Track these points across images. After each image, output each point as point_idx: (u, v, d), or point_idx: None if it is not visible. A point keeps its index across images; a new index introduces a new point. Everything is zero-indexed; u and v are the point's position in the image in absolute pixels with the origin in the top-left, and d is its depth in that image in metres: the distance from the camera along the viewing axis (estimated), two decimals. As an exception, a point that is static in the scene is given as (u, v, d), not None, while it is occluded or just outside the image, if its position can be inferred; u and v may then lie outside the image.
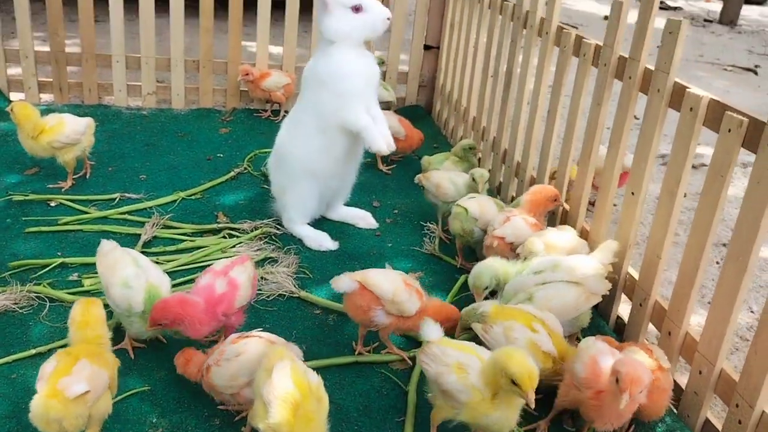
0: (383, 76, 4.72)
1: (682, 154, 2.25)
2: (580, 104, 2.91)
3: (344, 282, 2.29)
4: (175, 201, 3.33)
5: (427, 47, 4.89)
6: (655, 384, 2.00)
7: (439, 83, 4.84)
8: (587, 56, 2.83)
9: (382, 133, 2.94)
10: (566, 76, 3.07)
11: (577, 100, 2.92)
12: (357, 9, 2.84)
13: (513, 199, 3.52)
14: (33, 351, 2.23)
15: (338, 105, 2.89)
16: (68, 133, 3.28)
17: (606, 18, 10.72)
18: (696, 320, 2.92)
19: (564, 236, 2.70)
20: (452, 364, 1.89)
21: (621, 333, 2.61)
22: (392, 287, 2.25)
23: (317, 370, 2.24)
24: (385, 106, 4.57)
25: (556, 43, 3.12)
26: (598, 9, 11.23)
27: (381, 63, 4.60)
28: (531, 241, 2.61)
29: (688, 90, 2.24)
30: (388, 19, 2.92)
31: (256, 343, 1.95)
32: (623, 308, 2.67)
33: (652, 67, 2.42)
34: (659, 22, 2.34)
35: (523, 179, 3.40)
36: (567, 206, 3.02)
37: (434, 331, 2.07)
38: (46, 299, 2.49)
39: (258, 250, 2.97)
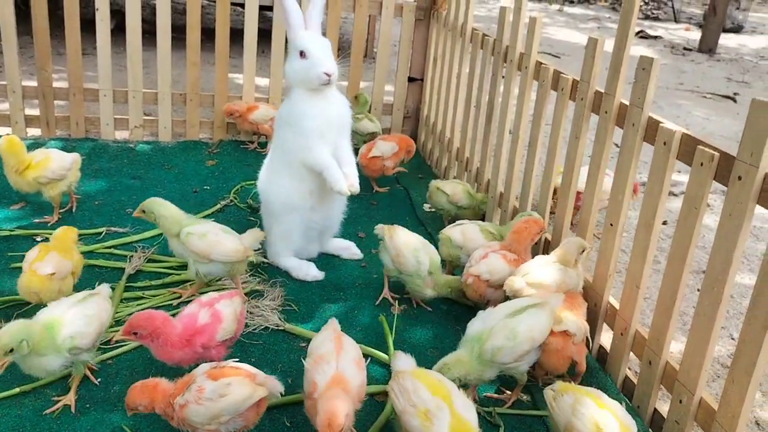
0: (369, 108, 4.80)
1: (658, 187, 2.31)
2: (559, 136, 2.98)
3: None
4: (160, 234, 3.34)
5: (411, 79, 4.97)
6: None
7: (423, 114, 4.92)
8: (565, 90, 2.90)
9: (348, 174, 2.95)
10: (546, 109, 3.14)
11: (556, 133, 2.98)
12: (302, 54, 2.90)
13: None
14: (17, 390, 2.23)
15: (300, 144, 2.96)
16: (54, 169, 3.30)
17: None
18: (677, 347, 2.96)
19: (548, 270, 2.65)
20: (420, 408, 1.86)
21: (604, 362, 2.64)
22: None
23: (302, 403, 2.28)
24: (371, 137, 4.64)
25: (535, 77, 3.20)
26: (580, 39, 11.44)
27: (358, 97, 4.69)
28: (511, 280, 2.60)
29: (661, 125, 2.30)
30: (327, 74, 2.88)
31: (240, 383, 1.94)
32: (605, 337, 2.71)
33: (627, 102, 2.49)
34: (640, 50, 2.41)
35: (506, 209, 3.46)
36: (548, 236, 3.07)
37: (406, 361, 2.07)
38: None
39: (244, 282, 2.98)
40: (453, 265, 3.13)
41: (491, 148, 3.68)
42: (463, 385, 2.22)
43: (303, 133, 2.95)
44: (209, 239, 2.70)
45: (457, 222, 3.18)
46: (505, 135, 3.54)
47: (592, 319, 2.70)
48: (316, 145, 2.95)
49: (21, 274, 2.51)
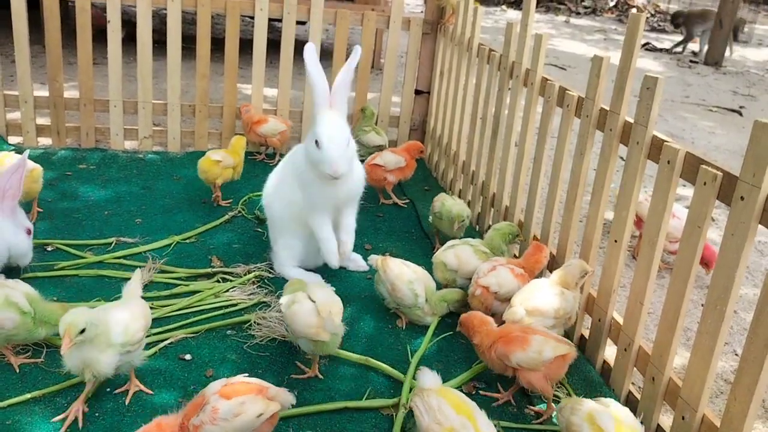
0: (375, 120, 4.85)
1: (661, 205, 2.34)
2: (564, 152, 3.01)
3: None
4: (170, 245, 3.39)
5: (418, 92, 5.02)
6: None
7: (429, 127, 4.96)
8: (570, 107, 2.94)
9: (343, 242, 3.06)
10: (551, 125, 3.17)
11: (561, 149, 3.02)
12: (317, 143, 2.84)
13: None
14: (28, 396, 2.26)
15: (308, 203, 3.04)
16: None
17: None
18: (681, 362, 2.98)
19: (548, 296, 2.66)
20: (445, 425, 1.90)
21: (607, 378, 2.66)
22: None
23: (308, 416, 2.31)
24: (378, 149, 4.68)
25: (541, 93, 3.23)
26: (586, 50, 11.49)
27: (364, 109, 4.74)
28: (512, 312, 2.62)
29: (665, 143, 2.33)
30: (333, 177, 2.82)
31: (253, 401, 1.97)
32: (609, 352, 2.73)
33: (632, 120, 2.52)
34: (646, 62, 2.44)
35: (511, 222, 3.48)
36: (554, 251, 3.10)
37: (432, 379, 2.08)
38: (43, 345, 2.53)
39: (251, 294, 3.02)
40: (449, 287, 3.10)
41: (497, 161, 3.72)
42: None
43: (310, 198, 3.02)
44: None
45: (449, 244, 3.15)
46: (511, 149, 3.57)
47: (596, 335, 2.73)
48: (320, 215, 3.03)
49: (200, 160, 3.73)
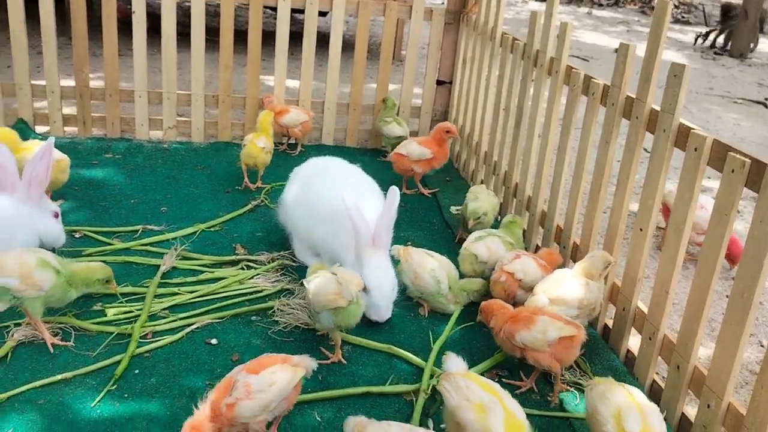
0: (397, 111, 4.86)
1: (688, 193, 2.32)
2: (589, 141, 3.00)
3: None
4: (194, 233, 3.43)
5: (439, 82, 5.01)
6: None
7: (451, 118, 4.95)
8: (596, 95, 2.92)
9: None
10: (576, 114, 3.16)
11: (586, 138, 3.00)
12: (364, 289, 2.66)
13: (524, 233, 3.58)
14: (59, 377, 2.31)
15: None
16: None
17: (616, 51, 10.88)
18: (705, 353, 2.96)
19: (573, 286, 2.66)
20: (475, 402, 1.92)
21: (631, 366, 2.65)
22: None
23: (332, 400, 2.34)
24: (398, 140, 4.69)
25: (566, 82, 3.22)
26: (608, 42, 11.38)
27: (386, 100, 4.75)
28: (535, 300, 2.63)
29: (692, 131, 2.32)
30: (378, 321, 2.77)
31: (282, 369, 2.03)
32: (633, 341, 2.72)
33: (658, 108, 2.50)
34: (670, 54, 2.43)
35: (534, 213, 3.48)
36: (577, 241, 3.09)
37: (458, 363, 2.10)
38: (71, 329, 2.58)
39: (275, 281, 3.05)
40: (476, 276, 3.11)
41: (520, 151, 3.71)
42: None
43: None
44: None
45: (476, 235, 3.14)
46: (535, 138, 3.56)
47: (620, 324, 2.72)
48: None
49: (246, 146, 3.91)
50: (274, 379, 1.99)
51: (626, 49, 2.72)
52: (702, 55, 11.12)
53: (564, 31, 3.19)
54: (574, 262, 2.99)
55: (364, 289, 2.66)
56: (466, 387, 1.96)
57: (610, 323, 2.83)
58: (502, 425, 1.86)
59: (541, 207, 3.45)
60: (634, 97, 2.66)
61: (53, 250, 3.00)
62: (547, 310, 2.50)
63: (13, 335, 2.48)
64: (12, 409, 2.16)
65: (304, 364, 2.10)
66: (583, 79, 3.05)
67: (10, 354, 2.41)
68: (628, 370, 2.63)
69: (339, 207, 2.81)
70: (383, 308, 2.74)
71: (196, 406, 1.97)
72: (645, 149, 4.04)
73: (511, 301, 2.82)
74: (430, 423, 2.31)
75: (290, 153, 4.74)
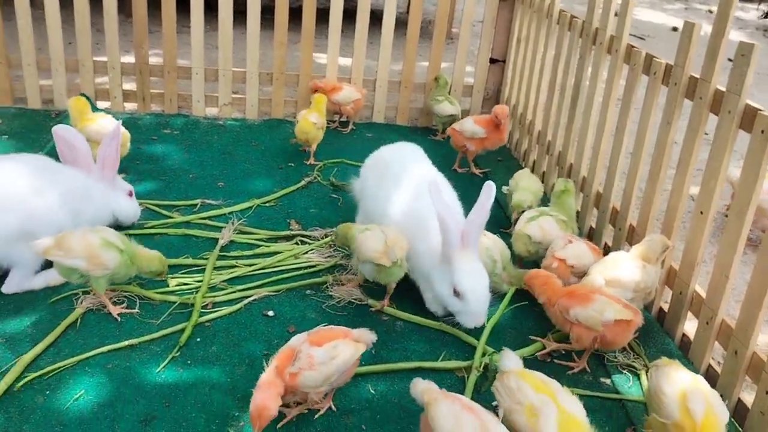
0: (449, 90, 4.83)
1: (753, 176, 2.26)
2: (649, 122, 2.94)
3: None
4: (250, 207, 3.51)
5: (492, 60, 4.96)
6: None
7: (504, 96, 4.91)
8: (657, 75, 2.86)
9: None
10: (635, 94, 3.10)
11: (646, 118, 2.94)
12: (456, 293, 2.54)
13: (578, 214, 3.55)
14: (126, 343, 2.42)
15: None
16: (93, 130, 3.59)
17: (675, 29, 10.51)
18: (764, 340, 2.90)
19: (629, 268, 2.63)
20: (525, 405, 1.87)
21: (686, 351, 2.62)
22: None
23: (383, 373, 2.38)
24: (450, 119, 4.68)
25: (626, 61, 3.15)
26: (665, 20, 11.03)
27: (438, 78, 4.72)
28: (591, 280, 2.61)
29: (760, 112, 2.25)
30: (476, 327, 2.60)
31: (345, 343, 2.08)
32: (689, 326, 2.69)
33: (724, 88, 2.44)
34: (731, 35, 2.36)
35: (589, 194, 3.44)
36: (634, 223, 3.05)
37: (513, 360, 2.06)
38: (136, 298, 2.69)
39: (328, 256, 3.10)
40: (528, 259, 3.10)
41: (575, 131, 3.66)
42: None
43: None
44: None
45: (529, 215, 3.11)
46: (591, 118, 3.51)
47: (677, 307, 2.68)
48: None
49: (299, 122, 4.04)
50: (336, 352, 2.04)
51: (691, 28, 2.65)
52: (765, 34, 10.67)
53: (625, 8, 3.12)
54: (630, 245, 2.95)
55: (458, 295, 2.52)
56: (518, 389, 1.92)
57: (665, 307, 2.79)
58: (554, 426, 1.81)
59: (596, 188, 3.41)
60: (698, 77, 2.59)
61: (131, 226, 3.14)
62: (605, 291, 2.48)
63: (81, 302, 2.60)
64: (83, 372, 2.27)
65: (365, 338, 2.14)
66: (644, 58, 2.99)
67: (79, 320, 2.53)
68: (683, 354, 2.60)
69: (423, 209, 2.70)
70: (480, 315, 2.55)
71: (259, 373, 2.04)
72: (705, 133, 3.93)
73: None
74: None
75: (342, 131, 4.77)
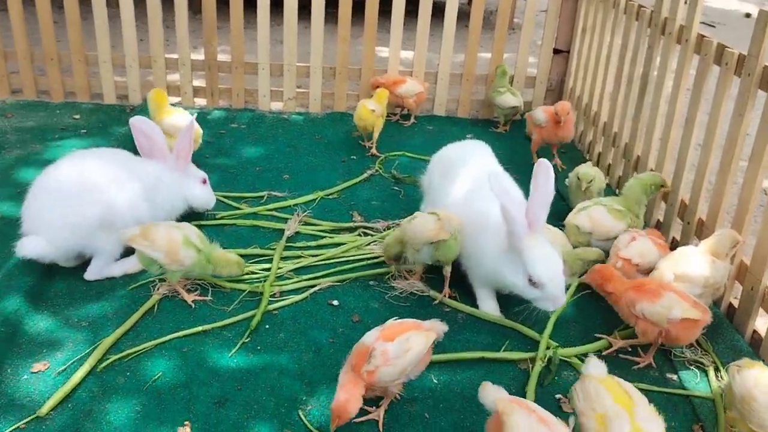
0: (510, 80, 4.80)
1: (833, 169, 2.19)
2: (720, 114, 2.86)
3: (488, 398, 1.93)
4: (314, 200, 3.59)
5: (556, 51, 4.90)
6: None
7: (567, 87, 4.84)
8: (730, 65, 2.78)
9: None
10: (706, 85, 3.02)
11: (717, 110, 2.87)
12: (533, 283, 2.49)
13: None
14: (200, 328, 2.53)
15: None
16: (173, 122, 3.73)
17: (748, 15, 10.07)
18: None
19: (699, 264, 2.59)
20: (598, 411, 1.82)
21: (757, 348, 2.56)
22: None
23: (446, 363, 2.42)
24: (512, 111, 4.65)
25: (696, 51, 3.08)
26: (737, 6, 10.59)
27: (498, 68, 4.70)
28: (659, 275, 2.57)
29: (841, 102, 2.17)
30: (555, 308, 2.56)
31: (416, 335, 2.10)
32: (760, 322, 2.62)
33: (802, 78, 2.36)
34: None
35: (656, 187, 3.37)
36: (703, 217, 2.98)
37: (597, 367, 1.97)
38: (208, 285, 2.80)
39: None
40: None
41: (643, 123, 3.59)
42: None
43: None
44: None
45: (580, 206, 3.09)
46: (660, 109, 3.43)
47: (747, 303, 2.62)
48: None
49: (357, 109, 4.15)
50: (409, 345, 2.06)
51: (766, 16, 2.56)
52: None
53: (696, -4, 3.04)
54: (699, 239, 2.89)
55: (534, 284, 2.48)
56: (596, 394, 1.85)
57: (735, 303, 2.73)
58: None
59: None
60: (773, 66, 2.51)
61: (205, 214, 3.27)
62: (675, 287, 2.44)
63: (158, 289, 2.74)
64: (160, 355, 2.40)
65: (436, 328, 2.16)
66: (716, 48, 2.91)
67: (156, 306, 2.66)
68: (753, 351, 2.54)
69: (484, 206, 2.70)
70: (560, 297, 2.49)
71: (325, 360, 2.11)
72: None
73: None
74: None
75: (403, 123, 4.81)
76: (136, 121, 3.10)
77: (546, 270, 2.47)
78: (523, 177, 4.00)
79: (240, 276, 2.81)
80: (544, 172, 2.51)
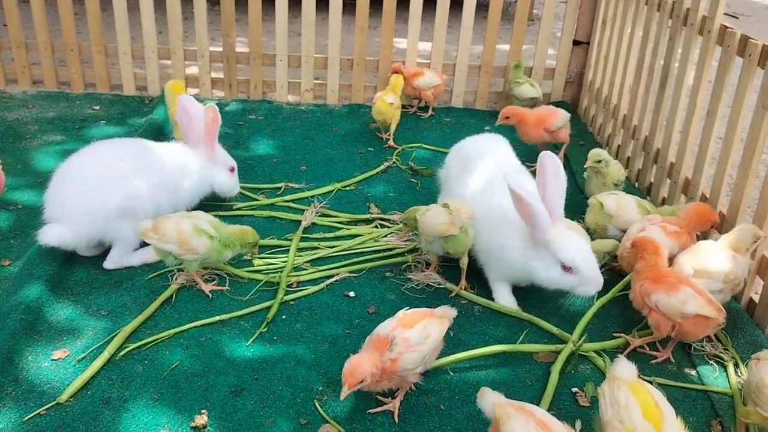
0: (528, 72, 4.77)
1: None
2: (743, 106, 2.82)
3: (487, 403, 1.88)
4: (331, 191, 3.60)
5: (576, 42, 4.85)
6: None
7: (587, 79, 4.79)
8: (753, 57, 2.73)
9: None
10: (728, 77, 2.97)
11: (740, 102, 2.82)
12: (567, 269, 2.48)
13: (664, 200, 3.47)
14: (217, 318, 2.55)
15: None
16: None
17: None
18: None
19: (719, 259, 2.54)
20: (627, 426, 1.73)
21: (778, 344, 2.52)
22: None
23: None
24: (531, 102, 4.62)
25: (719, 43, 3.03)
26: (763, -4, 10.39)
27: (516, 65, 4.66)
28: (680, 266, 2.54)
29: None
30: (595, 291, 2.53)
31: (432, 322, 2.17)
32: (782, 318, 2.58)
33: (828, 70, 2.31)
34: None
35: (677, 181, 3.33)
36: (724, 210, 2.94)
37: (627, 369, 1.89)
38: (225, 276, 2.82)
39: (407, 240, 3.15)
40: (597, 236, 3.04)
41: (663, 115, 3.54)
42: None
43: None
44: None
45: (613, 192, 3.10)
46: (681, 102, 3.38)
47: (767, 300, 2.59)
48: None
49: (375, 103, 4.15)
50: (428, 331, 2.12)
51: (793, 6, 2.51)
52: None
53: (719, -13, 2.99)
54: (720, 233, 2.85)
55: (569, 270, 2.46)
56: (625, 407, 1.76)
57: (756, 298, 2.69)
58: None
59: (685, 174, 3.30)
60: (798, 58, 2.47)
61: (227, 203, 3.31)
62: (694, 283, 2.41)
63: (176, 279, 2.76)
64: (178, 344, 2.42)
65: (447, 314, 2.23)
66: (739, 39, 2.86)
67: (174, 296, 2.68)
68: (775, 348, 2.50)
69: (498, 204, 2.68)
70: (598, 277, 2.48)
71: (341, 351, 2.11)
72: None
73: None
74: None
75: (421, 115, 4.79)
76: (182, 99, 3.15)
77: (578, 252, 2.47)
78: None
79: (256, 242, 2.78)
80: (549, 162, 2.52)
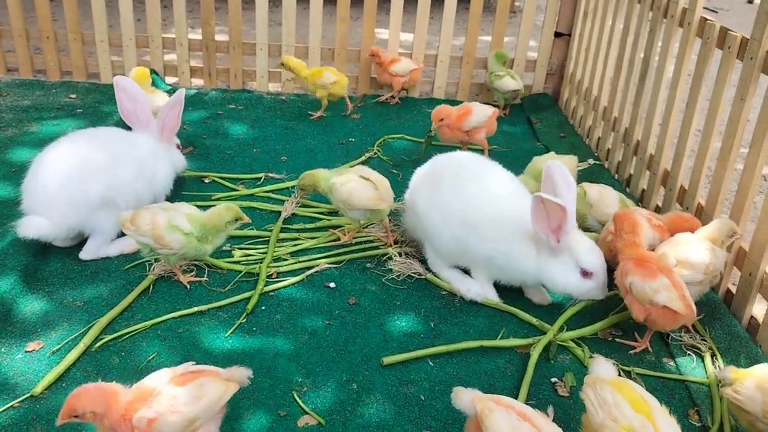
0: (510, 64, 4.76)
1: (834, 154, 2.17)
2: (721, 98, 2.84)
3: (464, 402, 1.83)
4: (312, 182, 3.56)
5: (558, 34, 4.86)
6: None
7: (568, 71, 4.80)
8: (732, 49, 2.75)
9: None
10: (707, 69, 2.99)
11: (718, 94, 2.84)
12: (586, 274, 2.51)
13: (643, 192, 3.48)
14: (195, 309, 2.52)
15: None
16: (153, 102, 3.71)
17: (750, 2, 9.99)
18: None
19: (700, 250, 2.55)
20: (623, 424, 1.72)
21: (754, 334, 2.55)
22: None
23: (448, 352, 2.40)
24: (513, 95, 4.62)
25: (699, 35, 3.04)
26: (742, -9, 10.48)
27: (500, 55, 4.65)
28: (664, 256, 2.53)
29: (844, 87, 2.15)
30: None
31: (213, 382, 1.84)
32: (758, 308, 2.61)
33: (805, 62, 2.33)
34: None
35: (656, 172, 3.35)
36: (702, 201, 2.96)
37: (607, 368, 1.88)
38: (204, 266, 2.79)
39: (386, 233, 3.13)
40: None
41: (643, 107, 3.56)
42: None
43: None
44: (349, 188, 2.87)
45: (603, 185, 3.11)
46: (661, 94, 3.40)
47: (745, 289, 2.61)
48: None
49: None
50: (203, 392, 1.79)
51: (771, -1, 2.53)
52: None
53: (700, -21, 3.00)
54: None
55: (589, 275, 2.49)
56: (615, 405, 1.75)
57: (733, 288, 2.72)
58: None
59: (663, 166, 3.32)
60: (776, 50, 2.48)
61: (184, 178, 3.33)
62: (675, 275, 2.41)
63: (153, 270, 2.72)
64: (156, 336, 2.39)
65: (236, 376, 1.89)
66: (718, 31, 2.88)
67: (151, 287, 2.65)
68: (750, 338, 2.53)
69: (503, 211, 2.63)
70: (605, 282, 2.54)
71: (321, 343, 2.09)
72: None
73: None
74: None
75: (388, 101, 4.78)
76: (120, 80, 3.04)
77: (597, 257, 2.52)
78: (522, 161, 4.00)
79: (239, 216, 2.64)
80: (557, 171, 2.50)
